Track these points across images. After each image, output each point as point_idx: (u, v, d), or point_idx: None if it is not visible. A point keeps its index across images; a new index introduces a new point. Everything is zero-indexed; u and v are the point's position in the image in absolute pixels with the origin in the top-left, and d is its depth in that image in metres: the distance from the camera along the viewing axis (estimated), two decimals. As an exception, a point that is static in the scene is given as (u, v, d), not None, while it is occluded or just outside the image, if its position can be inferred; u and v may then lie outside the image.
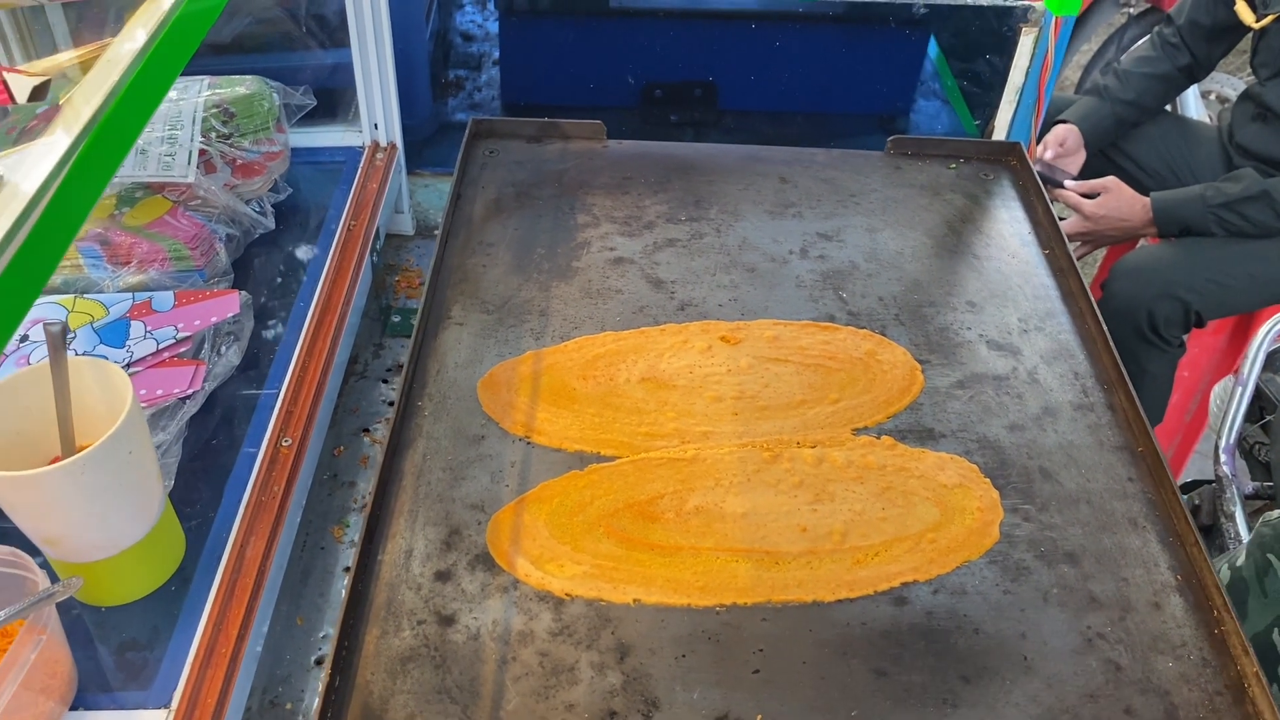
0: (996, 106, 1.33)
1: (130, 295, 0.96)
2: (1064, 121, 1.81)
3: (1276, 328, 1.48)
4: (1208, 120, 2.43)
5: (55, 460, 0.76)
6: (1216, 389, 1.77)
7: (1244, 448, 1.60)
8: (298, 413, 0.89)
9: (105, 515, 0.71)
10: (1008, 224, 1.08)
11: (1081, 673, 0.69)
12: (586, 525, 0.76)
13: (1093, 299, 0.97)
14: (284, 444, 0.87)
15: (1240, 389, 1.46)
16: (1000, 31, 1.61)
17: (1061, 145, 1.83)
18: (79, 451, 0.72)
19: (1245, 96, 1.82)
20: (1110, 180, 1.76)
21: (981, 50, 1.65)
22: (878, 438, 0.84)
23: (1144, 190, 1.74)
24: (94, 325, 0.93)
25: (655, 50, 1.45)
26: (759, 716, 0.66)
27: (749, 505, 0.78)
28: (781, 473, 0.81)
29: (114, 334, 0.92)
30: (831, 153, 1.17)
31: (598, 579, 0.73)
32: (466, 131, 1.13)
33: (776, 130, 1.49)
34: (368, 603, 0.71)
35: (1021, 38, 1.19)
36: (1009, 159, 1.17)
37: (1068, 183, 1.76)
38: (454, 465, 0.80)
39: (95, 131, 0.55)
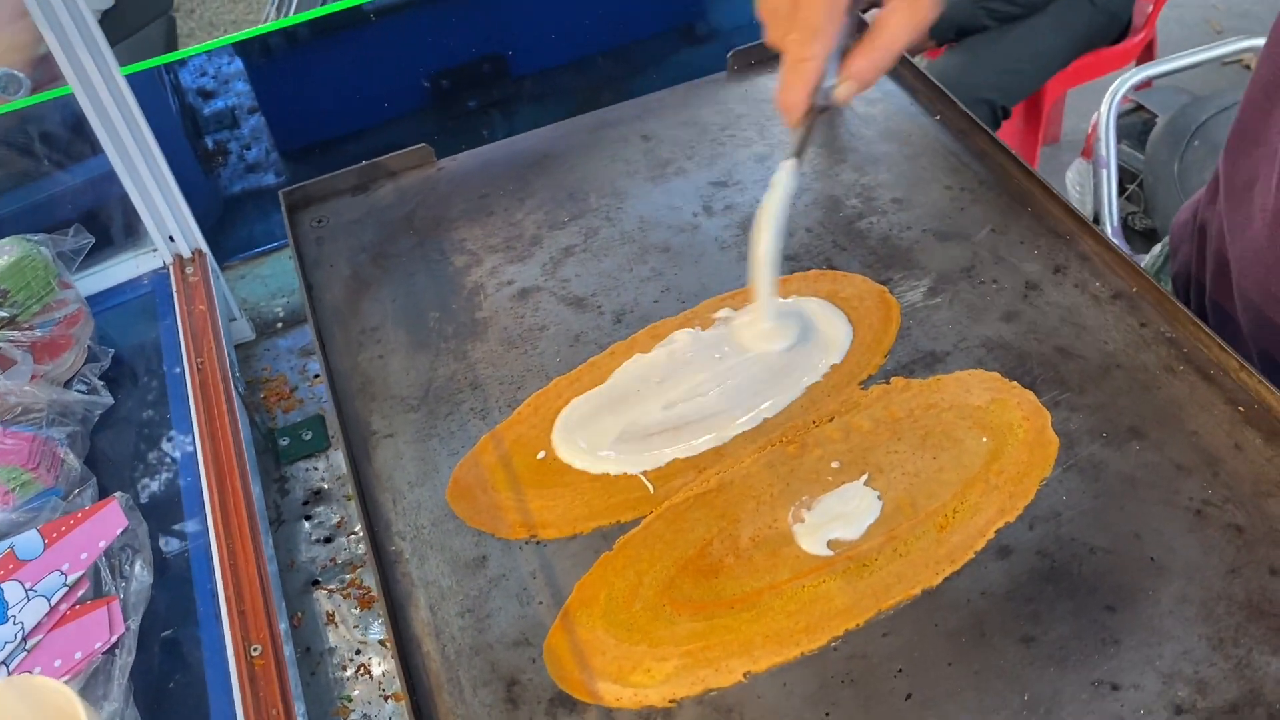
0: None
1: (-16, 553, 0.78)
2: None
3: (1116, 101, 1.49)
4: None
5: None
6: (1070, 175, 1.79)
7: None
8: (250, 610, 0.75)
9: None
10: (884, 103, 1.01)
11: (1210, 549, 0.65)
12: (649, 610, 0.66)
13: (1009, 148, 0.92)
14: (254, 654, 0.72)
15: (1105, 171, 1.47)
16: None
17: None
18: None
19: None
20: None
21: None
22: (887, 382, 0.77)
23: None
24: (-44, 608, 0.75)
25: (429, 40, 1.30)
26: (938, 747, 0.59)
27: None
28: (815, 463, 0.72)
29: (-12, 609, 0.75)
30: (676, 91, 1.06)
31: (695, 668, 0.63)
32: (282, 208, 0.97)
33: (582, 80, 1.37)
34: (460, 812, 0.60)
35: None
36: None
37: None
38: (470, 606, 0.68)
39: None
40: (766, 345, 0.78)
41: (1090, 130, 1.60)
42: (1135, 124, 1.67)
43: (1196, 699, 0.59)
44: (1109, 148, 1.46)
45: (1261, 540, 0.65)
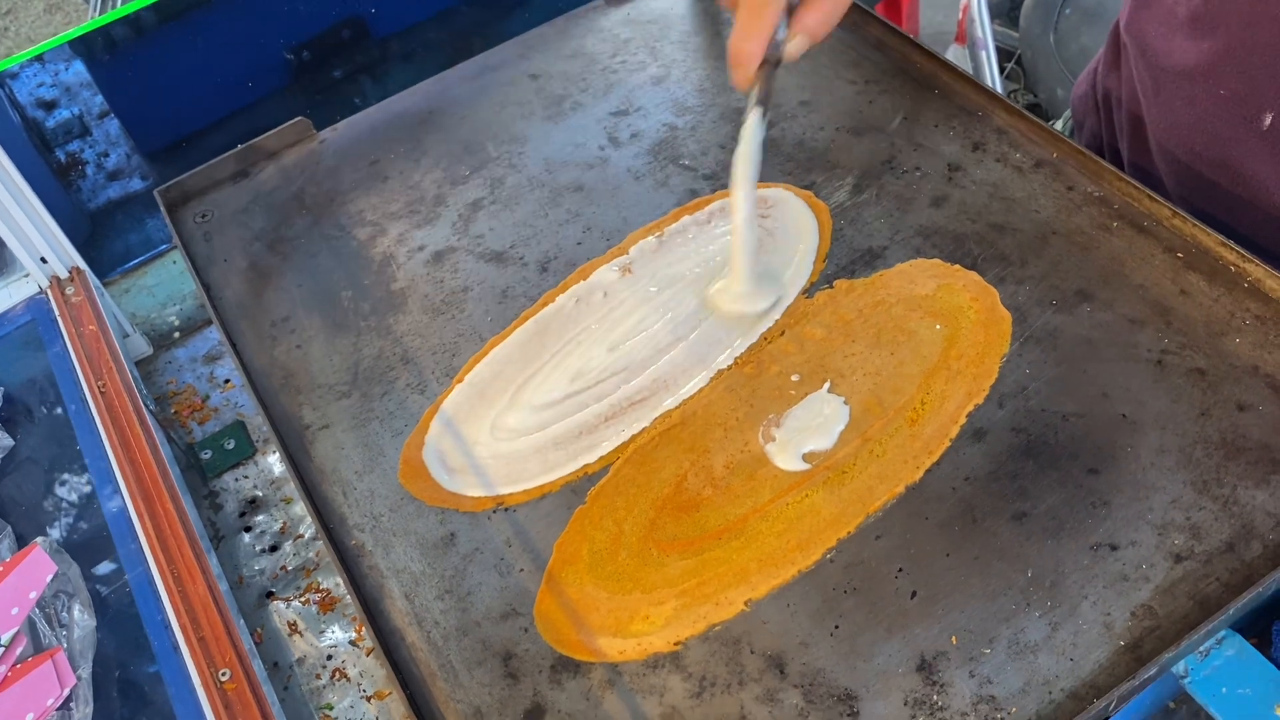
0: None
1: (-100, 628, 0.71)
2: None
3: (983, -18, 1.49)
4: None
5: None
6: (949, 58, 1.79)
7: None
8: (210, 634, 0.70)
9: None
10: (773, 5, 0.98)
11: (1179, 397, 0.65)
12: (636, 557, 0.63)
13: (906, 33, 0.90)
14: (224, 678, 0.68)
15: (984, 52, 1.47)
16: None
17: None
18: None
19: None
20: None
21: None
22: (831, 287, 0.75)
23: None
24: (-119, 692, 0.69)
25: (281, 11, 1.22)
26: (954, 639, 0.58)
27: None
28: (775, 379, 0.70)
29: (-83, 687, 0.68)
30: (555, 24, 1.01)
31: (694, 605, 0.61)
32: (161, 207, 0.90)
33: (449, 32, 1.30)
34: (480, 799, 0.57)
35: None
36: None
37: None
38: (448, 587, 0.65)
39: None
40: (743, 309, 0.73)
41: (961, 15, 1.61)
42: (1003, 2, 1.68)
43: (1193, 544, 0.59)
44: (984, 28, 1.46)
45: (1224, 379, 0.65)
